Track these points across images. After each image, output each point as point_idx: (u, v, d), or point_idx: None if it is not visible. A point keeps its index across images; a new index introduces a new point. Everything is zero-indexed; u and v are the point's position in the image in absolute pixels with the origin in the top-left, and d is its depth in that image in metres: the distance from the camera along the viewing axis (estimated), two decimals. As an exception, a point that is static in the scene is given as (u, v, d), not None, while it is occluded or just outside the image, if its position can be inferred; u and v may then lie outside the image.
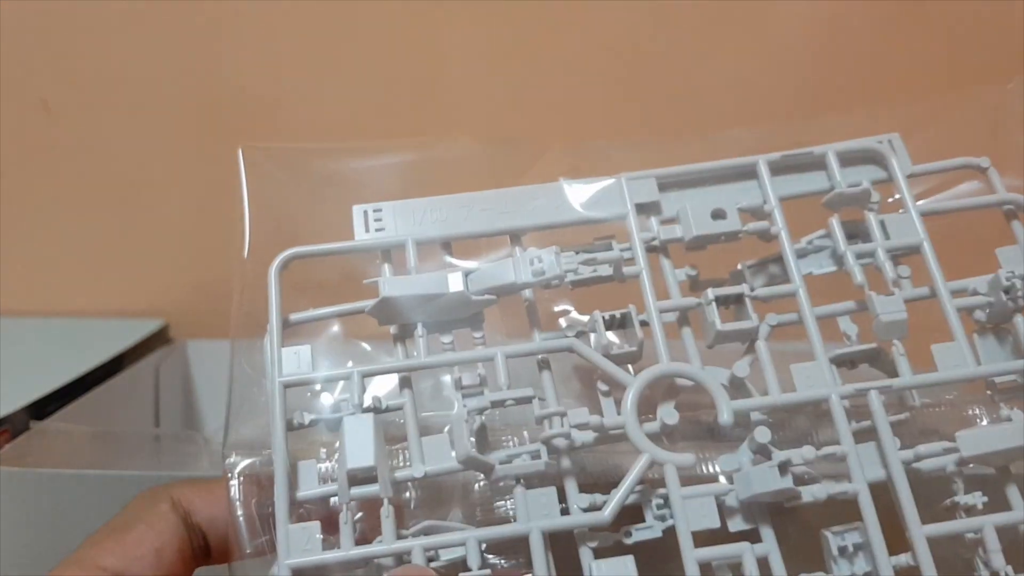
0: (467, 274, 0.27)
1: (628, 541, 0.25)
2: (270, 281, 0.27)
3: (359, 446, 0.25)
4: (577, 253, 0.27)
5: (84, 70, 0.52)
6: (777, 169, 0.29)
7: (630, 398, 0.25)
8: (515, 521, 0.24)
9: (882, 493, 0.25)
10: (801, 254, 0.28)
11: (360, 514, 0.25)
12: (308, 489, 0.25)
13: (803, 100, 0.52)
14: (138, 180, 0.54)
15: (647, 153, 0.30)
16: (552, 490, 0.25)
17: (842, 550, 0.24)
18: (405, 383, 0.26)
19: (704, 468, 0.26)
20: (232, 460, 0.26)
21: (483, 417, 0.25)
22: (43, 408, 0.42)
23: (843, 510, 0.25)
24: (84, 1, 0.51)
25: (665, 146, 0.30)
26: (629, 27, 0.50)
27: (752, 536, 0.24)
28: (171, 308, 0.55)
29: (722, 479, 0.25)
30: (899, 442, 0.25)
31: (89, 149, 0.54)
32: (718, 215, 0.28)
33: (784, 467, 0.24)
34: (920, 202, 0.29)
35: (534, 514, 0.24)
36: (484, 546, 0.24)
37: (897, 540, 0.24)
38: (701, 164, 0.29)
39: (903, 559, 0.24)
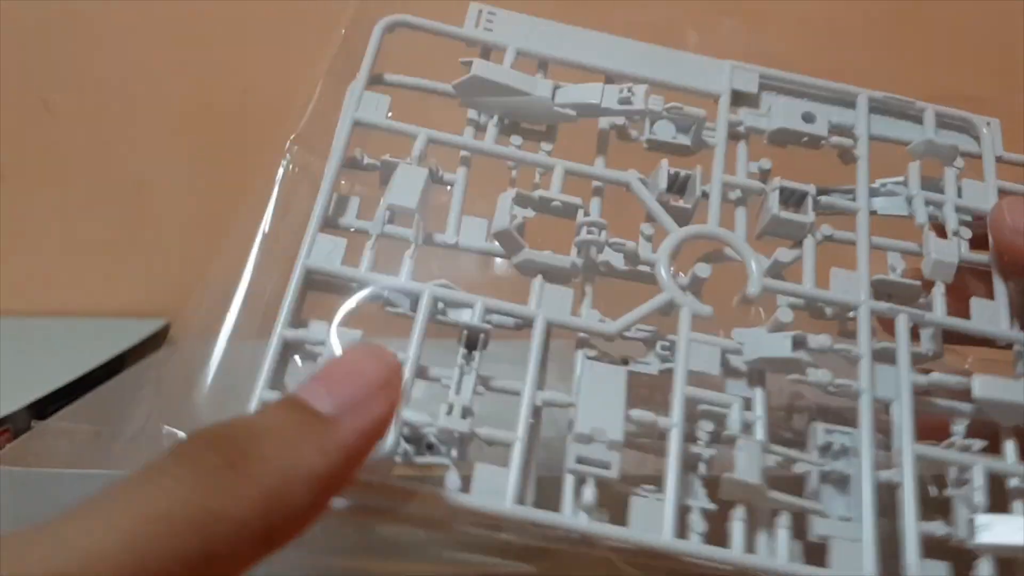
0: (556, 87, 0.28)
1: (624, 367, 0.25)
2: (372, 36, 0.28)
3: (406, 189, 0.25)
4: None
5: (84, 70, 0.52)
6: (876, 107, 0.29)
7: (668, 242, 0.26)
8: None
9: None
10: (873, 192, 0.28)
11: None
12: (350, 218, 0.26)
13: None
14: (138, 180, 0.54)
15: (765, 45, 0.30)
16: (569, 291, 0.25)
17: (827, 446, 0.24)
18: (464, 162, 0.27)
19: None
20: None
21: (527, 213, 0.26)
22: (44, 408, 0.41)
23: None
24: (84, 1, 0.51)
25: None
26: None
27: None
28: (172, 308, 0.54)
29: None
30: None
31: (89, 149, 0.53)
32: (808, 118, 0.28)
33: (798, 342, 0.24)
34: (1002, 182, 0.29)
35: (546, 305, 0.25)
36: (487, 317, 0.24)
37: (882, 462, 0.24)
38: (806, 77, 0.30)
39: (885, 474, 0.24)
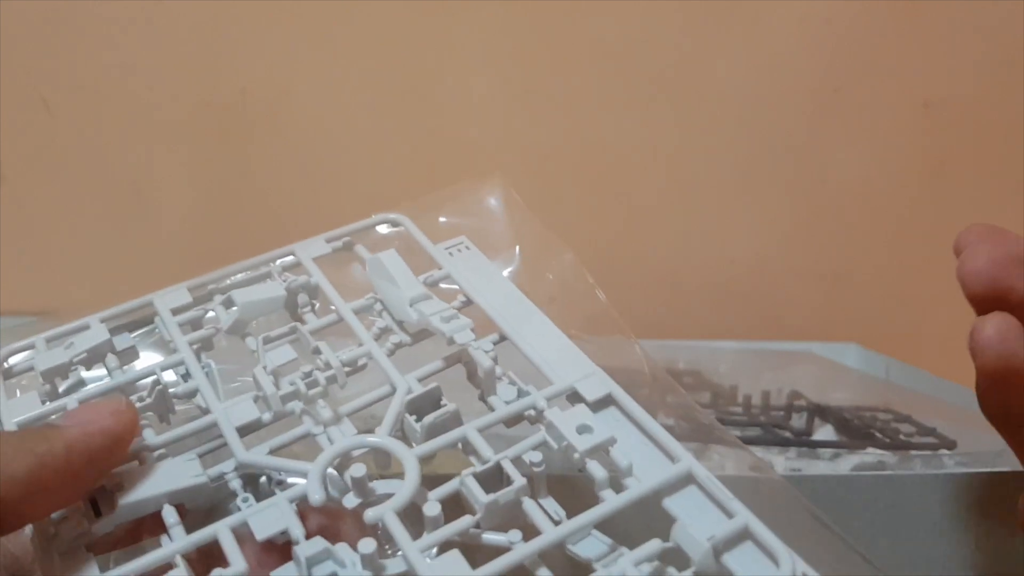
0: (427, 298, 0.31)
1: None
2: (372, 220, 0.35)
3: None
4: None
5: (84, 70, 0.52)
6: (689, 480, 0.25)
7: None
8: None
9: None
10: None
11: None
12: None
13: (800, 100, 0.50)
14: (137, 179, 0.55)
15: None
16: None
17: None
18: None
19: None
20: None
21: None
22: None
23: None
24: (84, 1, 0.51)
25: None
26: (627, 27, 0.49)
27: None
28: None
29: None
30: None
31: (89, 149, 0.54)
32: (584, 429, 0.26)
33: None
34: None
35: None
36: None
37: None
38: (648, 416, 0.27)
39: None
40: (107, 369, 0.29)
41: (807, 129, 0.53)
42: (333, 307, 0.31)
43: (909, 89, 0.52)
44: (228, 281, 0.33)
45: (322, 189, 0.56)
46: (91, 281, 0.58)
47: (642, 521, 0.25)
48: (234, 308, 0.31)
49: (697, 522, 0.24)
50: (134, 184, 0.56)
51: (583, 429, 0.26)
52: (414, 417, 0.27)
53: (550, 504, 0.26)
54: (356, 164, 0.56)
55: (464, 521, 0.24)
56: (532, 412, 0.28)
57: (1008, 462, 0.27)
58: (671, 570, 0.23)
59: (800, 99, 0.52)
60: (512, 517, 0.25)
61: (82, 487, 0.24)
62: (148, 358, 0.30)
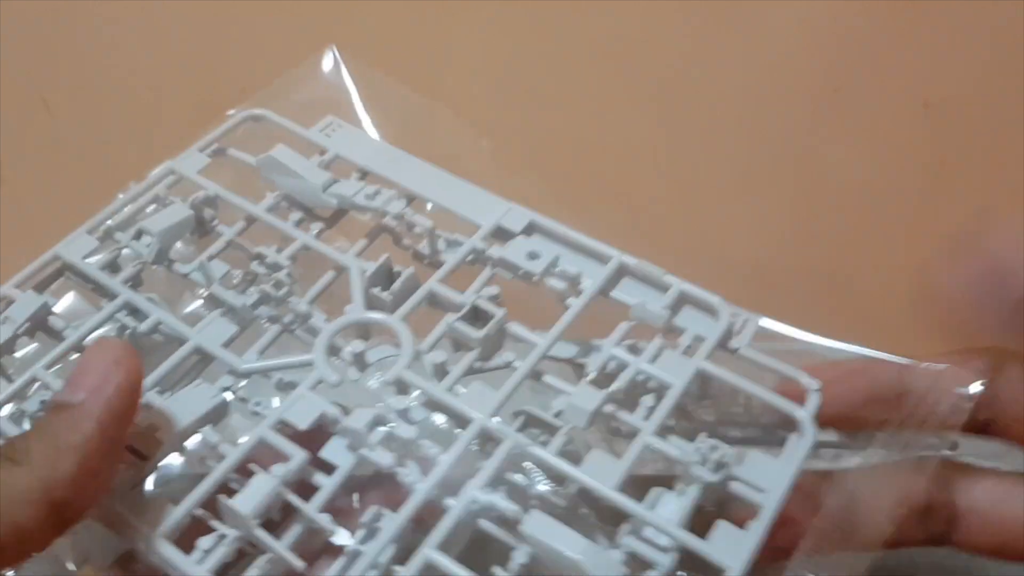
0: (333, 181, 0.32)
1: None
2: (232, 119, 0.35)
3: (165, 222, 0.31)
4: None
5: (84, 70, 0.52)
6: (625, 271, 0.30)
7: (340, 320, 0.28)
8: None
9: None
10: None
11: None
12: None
13: (799, 100, 0.51)
14: (138, 179, 0.51)
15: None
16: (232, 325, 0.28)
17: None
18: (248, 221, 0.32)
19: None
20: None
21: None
22: None
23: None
24: (84, 1, 0.51)
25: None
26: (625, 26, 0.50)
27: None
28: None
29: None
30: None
31: (89, 149, 0.54)
32: (533, 256, 0.30)
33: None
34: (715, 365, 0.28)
35: (205, 333, 0.28)
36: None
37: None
38: (571, 231, 0.31)
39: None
40: (52, 333, 0.29)
41: (807, 129, 0.52)
42: (245, 215, 0.32)
43: (909, 89, 0.52)
44: (122, 216, 0.32)
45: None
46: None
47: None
48: (150, 238, 0.31)
49: (646, 299, 0.29)
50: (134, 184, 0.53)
51: (532, 255, 0.30)
52: (378, 289, 0.30)
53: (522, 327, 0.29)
54: None
55: (469, 356, 0.28)
56: (472, 256, 0.31)
57: (1009, 463, 0.29)
58: (641, 343, 0.29)
59: (800, 99, 0.52)
60: (498, 344, 0.29)
61: (120, 452, 0.24)
62: (80, 312, 0.30)
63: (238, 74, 0.49)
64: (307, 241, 0.31)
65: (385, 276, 0.30)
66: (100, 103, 0.54)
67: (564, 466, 0.25)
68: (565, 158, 0.55)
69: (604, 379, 0.27)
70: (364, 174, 0.33)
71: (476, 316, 0.29)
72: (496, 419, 0.26)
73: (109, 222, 0.32)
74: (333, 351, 0.28)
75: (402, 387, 0.27)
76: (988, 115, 0.51)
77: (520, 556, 0.24)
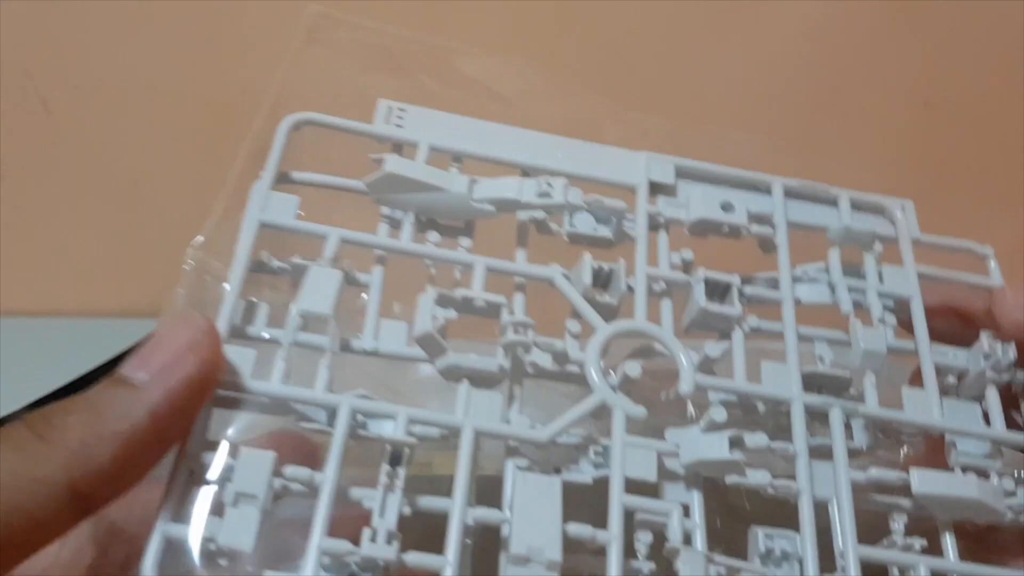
0: (473, 182, 0.27)
1: (558, 477, 0.23)
2: (277, 135, 0.27)
3: (320, 293, 0.24)
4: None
5: (84, 70, 0.51)
6: (791, 193, 0.29)
7: (596, 340, 0.25)
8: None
9: (822, 514, 0.24)
10: (796, 279, 0.28)
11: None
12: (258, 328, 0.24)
13: (799, 99, 0.51)
14: (138, 180, 0.54)
15: (674, 140, 0.30)
16: (498, 396, 0.24)
17: (768, 552, 0.23)
18: (380, 262, 0.26)
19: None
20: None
21: (449, 314, 0.24)
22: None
23: (780, 522, 0.24)
24: (84, 1, 0.50)
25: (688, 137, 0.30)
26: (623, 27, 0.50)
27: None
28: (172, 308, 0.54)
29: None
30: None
31: (89, 149, 0.53)
32: (727, 207, 0.28)
33: (735, 442, 0.23)
34: (920, 266, 0.29)
35: (473, 413, 0.23)
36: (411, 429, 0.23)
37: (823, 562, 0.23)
38: (721, 167, 0.29)
39: (833, 579, 0.23)
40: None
41: (807, 129, 0.50)
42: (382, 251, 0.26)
43: (910, 88, 0.50)
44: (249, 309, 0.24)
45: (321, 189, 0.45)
46: (91, 281, 0.56)
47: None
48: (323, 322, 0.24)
49: (826, 218, 0.29)
50: (134, 184, 0.54)
51: (726, 207, 0.28)
52: (597, 292, 0.26)
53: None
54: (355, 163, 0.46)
55: (738, 337, 0.26)
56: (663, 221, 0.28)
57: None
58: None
59: (800, 99, 0.50)
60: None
61: (171, 443, 0.21)
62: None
63: (238, 74, 0.49)
64: (510, 267, 0.26)
65: (597, 277, 0.26)
66: (100, 103, 0.52)
67: (892, 414, 0.25)
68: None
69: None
70: (460, 160, 0.28)
71: (713, 290, 0.27)
72: (804, 394, 0.25)
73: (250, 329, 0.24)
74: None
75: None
76: (988, 114, 0.51)
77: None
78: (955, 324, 0.28)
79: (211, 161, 0.50)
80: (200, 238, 0.26)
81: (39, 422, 0.19)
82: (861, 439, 0.26)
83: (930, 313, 0.28)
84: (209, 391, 0.21)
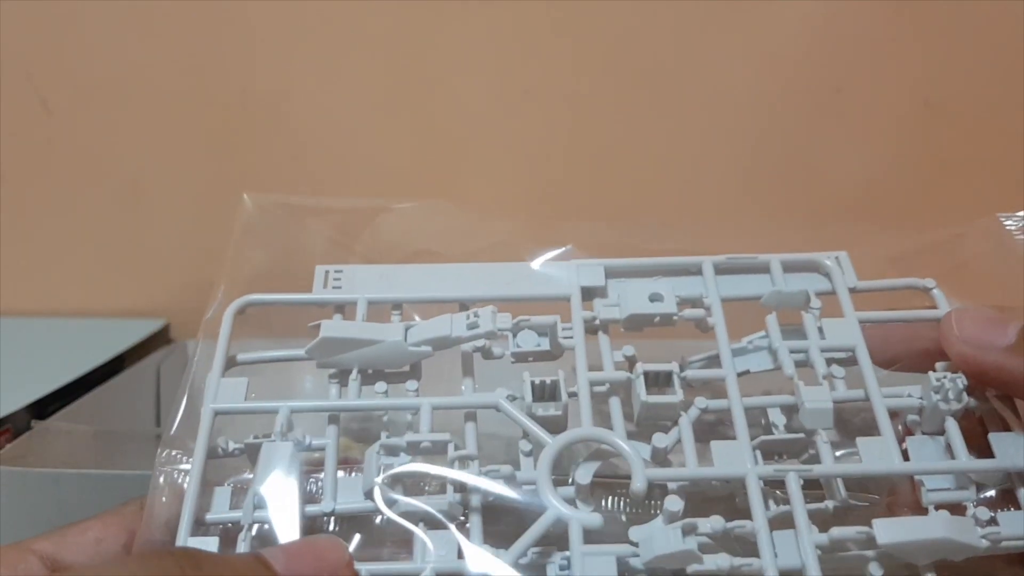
0: (408, 327, 0.28)
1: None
2: (224, 320, 0.29)
3: (271, 469, 0.25)
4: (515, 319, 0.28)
5: (84, 70, 0.52)
6: (721, 270, 0.30)
7: (545, 457, 0.25)
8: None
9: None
10: (739, 352, 0.29)
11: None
12: (219, 513, 0.25)
13: (799, 99, 0.51)
14: (137, 180, 0.55)
15: (604, 236, 0.31)
16: (451, 533, 0.24)
17: (746, 632, 0.23)
18: (333, 421, 0.27)
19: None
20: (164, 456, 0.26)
21: (401, 460, 0.25)
22: (44, 408, 0.42)
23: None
24: (84, 1, 0.51)
25: (619, 231, 0.31)
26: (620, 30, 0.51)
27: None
28: (172, 308, 0.55)
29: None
30: (816, 529, 0.24)
31: (89, 149, 0.54)
32: (655, 298, 0.29)
33: (688, 529, 0.23)
34: (860, 312, 0.29)
35: (432, 554, 0.24)
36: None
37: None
38: (649, 259, 0.30)
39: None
40: None
41: (807, 129, 0.51)
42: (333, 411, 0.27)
43: (910, 87, 0.51)
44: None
45: (322, 189, 0.54)
46: (91, 281, 0.56)
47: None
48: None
49: (758, 287, 0.30)
50: (134, 184, 0.55)
51: (654, 297, 0.29)
52: (541, 407, 0.27)
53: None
54: (356, 164, 0.54)
55: (685, 423, 0.27)
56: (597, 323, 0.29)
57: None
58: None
59: (800, 99, 0.51)
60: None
61: None
62: None
63: (238, 74, 0.52)
64: (454, 402, 0.27)
65: (540, 392, 0.27)
66: (100, 103, 0.53)
67: (848, 468, 0.25)
68: (561, 159, 0.54)
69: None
70: (399, 307, 0.30)
71: (655, 381, 0.27)
72: (757, 467, 0.25)
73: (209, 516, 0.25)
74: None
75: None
76: (989, 114, 0.51)
77: (875, 569, 0.24)
78: (927, 361, 0.28)
79: (211, 161, 0.52)
80: (170, 432, 0.28)
81: (188, 560, 0.21)
82: (831, 498, 0.26)
83: (899, 359, 0.28)
84: None
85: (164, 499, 0.26)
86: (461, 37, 0.51)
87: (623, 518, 0.27)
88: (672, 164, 0.53)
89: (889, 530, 0.24)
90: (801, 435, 0.26)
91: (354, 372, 0.28)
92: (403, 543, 0.25)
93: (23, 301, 0.55)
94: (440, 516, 0.24)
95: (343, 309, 0.29)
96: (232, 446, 0.26)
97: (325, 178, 0.54)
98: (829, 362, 0.28)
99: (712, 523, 0.24)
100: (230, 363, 0.28)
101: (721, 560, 0.23)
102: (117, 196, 0.55)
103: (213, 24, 0.51)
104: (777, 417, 0.27)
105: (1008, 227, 0.31)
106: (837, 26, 0.50)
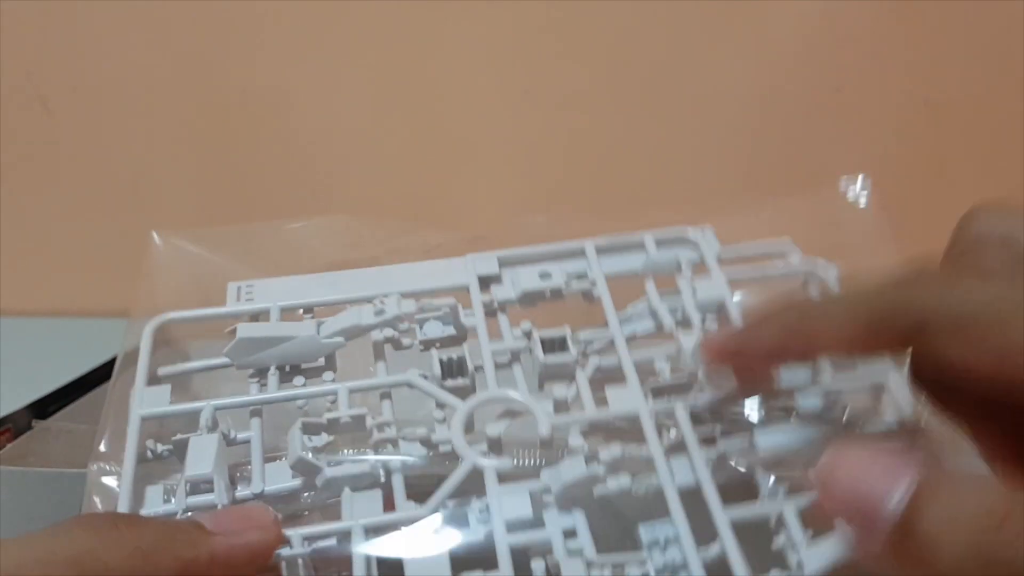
0: (320, 323, 0.30)
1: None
2: (143, 337, 0.30)
3: (200, 458, 0.26)
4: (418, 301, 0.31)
5: (84, 70, 0.53)
6: (603, 250, 0.33)
7: (457, 416, 0.28)
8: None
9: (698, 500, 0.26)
10: (626, 320, 0.32)
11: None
12: (153, 507, 0.27)
13: (799, 99, 0.52)
14: (137, 179, 0.55)
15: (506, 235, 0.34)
16: (377, 492, 0.26)
17: (654, 542, 0.25)
18: (256, 415, 0.29)
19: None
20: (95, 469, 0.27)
21: (323, 437, 0.27)
22: (45, 408, 0.43)
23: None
24: (84, 1, 0.51)
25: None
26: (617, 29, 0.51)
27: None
28: (172, 308, 0.54)
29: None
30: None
31: (89, 149, 0.54)
32: (544, 275, 0.32)
33: (590, 458, 0.26)
34: (728, 270, 0.33)
35: (358, 512, 0.26)
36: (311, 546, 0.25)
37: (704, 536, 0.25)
38: (538, 246, 0.33)
39: (714, 549, 0.25)
40: None
41: (808, 129, 0.52)
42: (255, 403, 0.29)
43: (910, 86, 0.51)
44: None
45: (322, 189, 0.55)
46: (91, 281, 0.56)
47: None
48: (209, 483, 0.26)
49: (636, 261, 0.33)
50: (134, 184, 0.55)
51: (544, 275, 0.32)
52: (449, 380, 0.29)
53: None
54: (357, 164, 0.55)
55: (582, 377, 0.29)
56: (498, 305, 0.32)
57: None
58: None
59: (800, 98, 0.51)
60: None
61: None
62: None
63: (238, 74, 0.52)
64: (370, 383, 0.29)
65: (448, 367, 0.30)
66: (100, 103, 0.53)
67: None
68: (561, 159, 0.54)
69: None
70: (311, 311, 0.32)
71: (551, 347, 0.30)
72: (649, 404, 0.28)
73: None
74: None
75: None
76: (989, 113, 0.52)
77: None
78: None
79: (210, 159, 0.53)
80: (101, 447, 0.29)
81: (121, 518, 0.23)
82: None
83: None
84: (262, 566, 0.24)
85: (100, 506, 0.27)
86: (461, 37, 0.52)
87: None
88: (672, 164, 0.54)
89: (766, 437, 0.27)
90: (685, 376, 0.29)
91: (272, 368, 0.30)
92: (332, 514, 0.27)
93: (23, 301, 0.56)
94: (365, 478, 0.26)
95: (257, 318, 0.31)
96: (160, 448, 0.28)
97: (325, 178, 0.55)
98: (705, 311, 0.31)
99: (611, 450, 0.26)
100: (153, 379, 0.30)
101: (623, 480, 0.26)
102: (117, 196, 0.55)
103: (213, 24, 0.51)
104: (662, 365, 0.30)
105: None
106: (837, 25, 0.50)
